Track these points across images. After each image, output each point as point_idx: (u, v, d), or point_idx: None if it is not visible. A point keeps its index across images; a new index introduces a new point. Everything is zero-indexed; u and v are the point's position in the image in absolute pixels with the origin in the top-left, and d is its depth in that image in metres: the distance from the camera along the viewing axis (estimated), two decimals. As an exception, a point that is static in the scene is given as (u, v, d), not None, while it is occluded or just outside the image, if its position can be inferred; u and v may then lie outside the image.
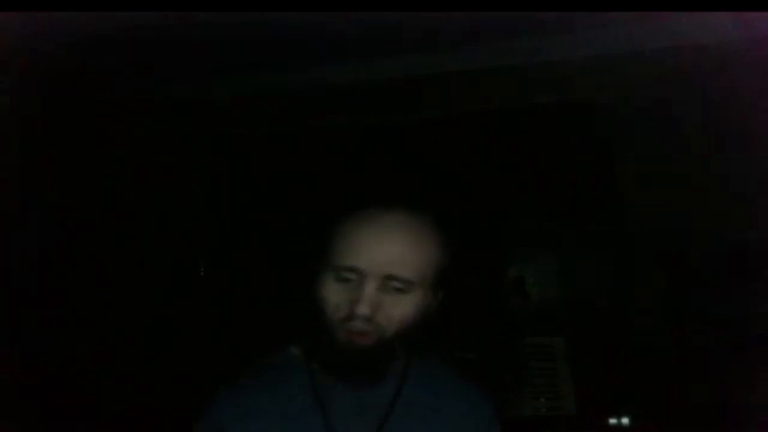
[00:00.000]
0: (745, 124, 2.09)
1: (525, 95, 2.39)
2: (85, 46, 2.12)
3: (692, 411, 1.95)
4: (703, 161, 2.16)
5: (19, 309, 2.01)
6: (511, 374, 2.21)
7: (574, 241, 2.31)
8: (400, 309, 0.83)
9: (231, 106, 2.60)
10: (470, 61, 2.37)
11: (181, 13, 1.85)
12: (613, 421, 2.10)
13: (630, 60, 2.27)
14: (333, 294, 0.84)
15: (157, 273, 2.45)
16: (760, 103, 2.01)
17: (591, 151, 2.29)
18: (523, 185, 2.33)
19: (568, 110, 2.35)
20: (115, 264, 2.40)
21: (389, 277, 0.82)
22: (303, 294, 0.89)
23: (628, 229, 2.22)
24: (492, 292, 2.33)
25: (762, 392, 1.90)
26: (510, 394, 2.19)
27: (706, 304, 2.05)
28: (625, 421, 2.09)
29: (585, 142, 2.30)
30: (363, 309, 0.81)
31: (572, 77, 2.32)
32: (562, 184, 2.30)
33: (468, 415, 0.91)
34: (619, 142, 2.27)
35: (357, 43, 2.25)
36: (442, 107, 2.47)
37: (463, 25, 2.13)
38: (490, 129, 2.39)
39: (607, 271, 2.25)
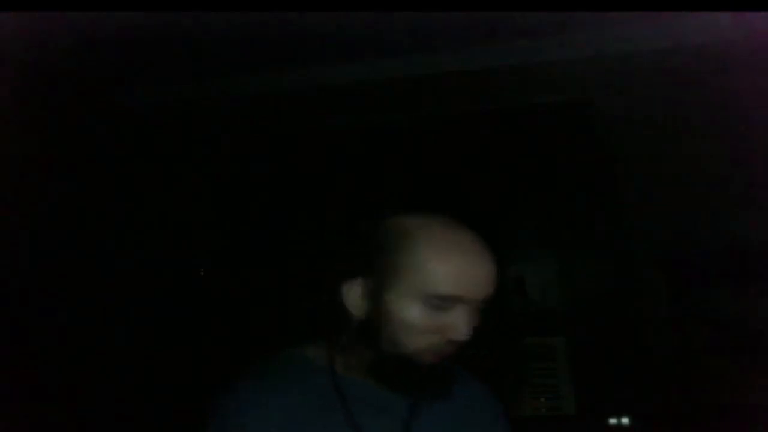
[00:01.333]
0: (745, 124, 2.09)
1: (525, 95, 2.39)
2: (84, 47, 2.11)
3: (692, 411, 1.96)
4: (703, 161, 2.16)
5: (18, 309, 2.01)
6: (511, 374, 2.21)
7: (574, 241, 2.31)
8: (473, 326, 0.83)
9: (231, 106, 2.60)
10: (470, 61, 2.37)
11: (180, 13, 1.85)
12: (613, 421, 2.10)
13: (630, 60, 2.26)
14: (423, 321, 0.81)
15: (157, 274, 2.45)
16: (760, 103, 2.01)
17: (591, 151, 2.29)
18: (523, 185, 2.33)
19: (568, 110, 2.35)
20: (115, 265, 2.40)
21: (484, 300, 0.83)
22: (323, 298, 0.87)
23: (628, 229, 2.23)
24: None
25: (762, 392, 1.90)
26: (510, 394, 2.19)
27: (706, 304, 2.05)
28: (625, 421, 2.09)
29: (585, 142, 2.30)
30: (466, 335, 0.81)
31: (572, 77, 2.32)
32: (562, 184, 2.30)
33: (479, 416, 0.92)
34: (619, 142, 2.27)
35: (357, 43, 2.24)
36: (442, 107, 2.47)
37: (463, 25, 2.13)
38: (489, 129, 2.39)
39: (607, 271, 2.24)
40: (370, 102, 2.48)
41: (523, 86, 2.37)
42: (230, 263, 2.47)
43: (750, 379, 1.93)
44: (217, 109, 2.60)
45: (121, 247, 2.44)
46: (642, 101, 2.26)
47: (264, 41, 2.19)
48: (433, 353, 0.82)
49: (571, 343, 2.22)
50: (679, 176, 2.18)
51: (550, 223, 2.32)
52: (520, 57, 2.33)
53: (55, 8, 1.68)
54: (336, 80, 2.47)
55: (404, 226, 0.85)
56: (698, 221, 2.13)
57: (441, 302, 0.80)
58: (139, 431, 2.15)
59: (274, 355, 0.93)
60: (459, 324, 0.80)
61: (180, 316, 2.40)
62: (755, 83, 2.02)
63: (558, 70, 2.32)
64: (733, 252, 2.04)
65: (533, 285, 2.31)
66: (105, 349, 2.24)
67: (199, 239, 2.52)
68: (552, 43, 2.29)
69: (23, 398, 1.92)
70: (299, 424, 0.83)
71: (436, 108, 2.47)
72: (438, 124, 2.43)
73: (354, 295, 0.85)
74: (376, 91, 2.46)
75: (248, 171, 2.57)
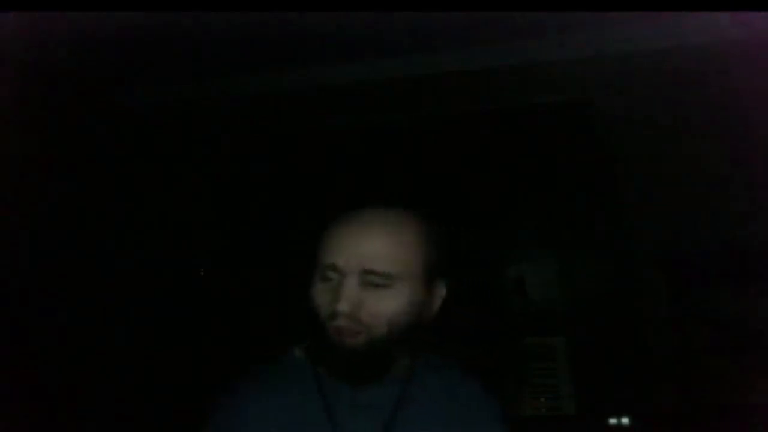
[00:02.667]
0: (745, 124, 2.09)
1: (525, 95, 2.39)
2: (84, 47, 2.12)
3: (692, 411, 1.96)
4: (703, 161, 2.16)
5: (19, 309, 2.01)
6: (511, 374, 2.21)
7: (574, 241, 2.31)
8: (384, 304, 0.83)
9: (231, 106, 2.60)
10: (470, 61, 2.37)
11: (180, 13, 1.85)
12: (613, 421, 2.10)
13: (630, 60, 2.27)
14: (319, 293, 0.85)
15: (157, 274, 2.45)
16: (760, 103, 2.01)
17: (591, 151, 2.29)
18: (523, 185, 2.33)
19: (568, 110, 2.35)
20: (115, 265, 2.40)
21: (367, 272, 0.83)
22: (300, 295, 0.89)
23: (628, 229, 2.23)
24: (492, 292, 2.33)
25: (762, 392, 1.90)
26: (510, 394, 2.19)
27: (706, 304, 2.05)
28: (625, 421, 2.09)
29: (585, 142, 2.30)
30: (342, 306, 0.81)
31: (572, 77, 2.32)
32: (562, 184, 2.30)
33: (474, 415, 0.91)
34: (619, 142, 2.27)
35: (357, 43, 2.25)
36: (442, 107, 2.47)
37: (463, 25, 2.13)
38: (489, 129, 2.39)
39: (607, 271, 2.25)
40: (370, 102, 2.48)
41: (523, 86, 2.37)
42: (230, 263, 2.47)
43: (750, 379, 1.93)
44: (217, 109, 2.60)
45: (121, 247, 2.44)
46: (642, 101, 2.26)
47: (264, 41, 2.20)
48: (334, 329, 0.82)
49: (571, 343, 2.22)
50: (679, 176, 2.18)
51: (550, 223, 2.32)
52: (520, 57, 2.34)
53: (55, 8, 1.68)
54: (336, 80, 2.47)
55: (339, 217, 0.88)
56: (698, 221, 2.13)
57: (327, 272, 0.84)
58: (139, 431, 2.15)
59: (271, 355, 0.95)
60: (338, 292, 0.82)
61: (180, 316, 2.40)
62: (755, 83, 2.02)
63: (558, 70, 2.32)
64: (733, 252, 2.04)
65: (533, 285, 2.31)
66: (105, 349, 2.24)
67: (199, 239, 2.52)
68: (552, 43, 2.29)
69: (23, 398, 1.92)
70: (285, 424, 0.84)
71: (436, 108, 2.47)
72: (438, 124, 2.43)
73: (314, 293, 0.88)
74: (376, 91, 2.46)
75: (248, 171, 2.57)
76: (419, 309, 0.86)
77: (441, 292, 0.91)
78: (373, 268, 0.82)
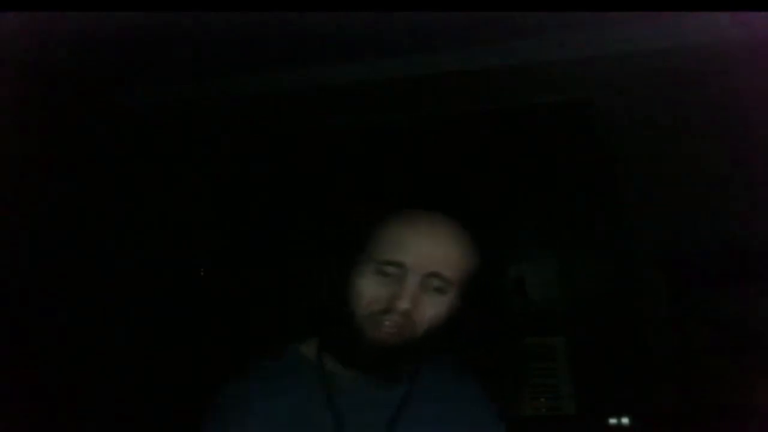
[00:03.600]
0: (745, 124, 2.09)
1: (525, 95, 2.39)
2: (84, 47, 2.11)
3: (692, 411, 1.96)
4: (703, 161, 2.16)
5: (19, 309, 2.01)
6: (511, 374, 2.21)
7: (574, 241, 2.31)
8: (436, 308, 0.84)
9: (231, 106, 2.60)
10: (470, 61, 2.37)
11: (180, 13, 1.85)
12: (613, 421, 2.10)
13: (630, 60, 2.27)
14: (372, 287, 0.84)
15: (157, 274, 2.45)
16: (760, 103, 2.01)
17: (591, 151, 2.29)
18: (523, 185, 2.33)
19: (568, 110, 2.35)
20: (115, 265, 2.40)
21: (432, 275, 0.83)
22: (316, 291, 0.89)
23: (628, 229, 2.22)
24: (492, 292, 2.32)
25: (762, 392, 1.90)
26: (510, 394, 2.18)
27: (706, 304, 2.05)
28: (625, 421, 2.09)
29: (585, 142, 2.30)
30: (404, 303, 0.81)
31: (572, 77, 2.32)
32: (562, 184, 2.30)
33: (475, 417, 0.91)
34: (619, 142, 2.27)
35: (357, 43, 2.24)
36: (442, 107, 2.47)
37: (462, 25, 2.13)
38: (489, 129, 2.39)
39: (607, 271, 2.24)
40: (370, 102, 2.48)
41: (523, 86, 2.37)
42: (230, 263, 2.47)
43: (750, 379, 1.93)
44: (217, 109, 2.60)
45: (121, 247, 2.44)
46: (642, 101, 2.26)
47: (264, 41, 2.19)
48: (383, 324, 0.82)
49: (571, 343, 2.22)
50: (679, 176, 2.18)
51: (550, 223, 2.32)
52: (520, 57, 2.33)
53: (55, 8, 1.68)
54: (336, 80, 2.47)
55: (401, 216, 0.88)
56: (698, 221, 2.13)
57: (386, 268, 0.83)
58: (139, 431, 2.15)
59: (271, 352, 0.95)
60: (400, 291, 0.82)
61: (180, 316, 2.40)
62: (755, 83, 2.02)
63: (558, 70, 2.32)
64: (733, 252, 2.04)
65: (533, 285, 2.31)
66: (105, 349, 2.24)
67: (199, 239, 2.52)
68: (552, 43, 2.29)
69: (23, 398, 1.92)
70: (288, 419, 0.84)
71: (436, 108, 2.47)
72: (438, 124, 2.43)
73: (335, 287, 0.88)
74: (376, 91, 2.46)
75: (248, 171, 2.57)
76: (452, 316, 0.88)
77: (462, 300, 0.92)
78: (439, 272, 0.83)
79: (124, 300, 2.35)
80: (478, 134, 2.39)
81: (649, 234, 2.19)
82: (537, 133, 2.35)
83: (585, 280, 2.28)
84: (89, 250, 2.32)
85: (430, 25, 2.11)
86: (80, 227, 2.31)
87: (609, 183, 2.26)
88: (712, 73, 2.15)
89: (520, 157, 2.34)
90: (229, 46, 2.21)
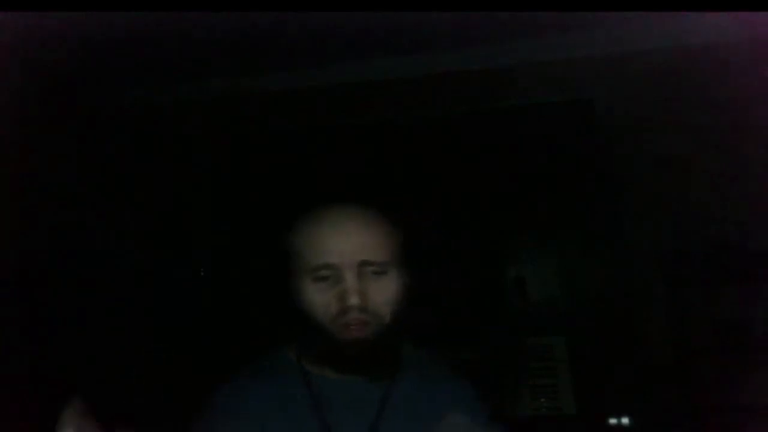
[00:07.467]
0: (745, 124, 2.09)
1: (525, 95, 2.39)
2: (84, 47, 2.11)
3: (692, 411, 1.96)
4: (703, 161, 2.16)
5: (19, 309, 2.01)
6: (511, 374, 2.21)
7: (574, 241, 2.31)
8: (387, 291, 0.85)
9: (230, 106, 2.59)
10: (470, 62, 2.37)
11: (180, 13, 1.85)
12: (613, 421, 2.10)
13: (630, 60, 2.27)
14: (317, 294, 0.85)
15: (156, 274, 2.45)
16: (760, 103, 2.01)
17: (591, 151, 2.29)
18: (523, 185, 2.33)
19: (568, 110, 2.35)
20: (116, 265, 2.39)
21: (364, 263, 0.84)
22: (286, 299, 0.90)
23: (628, 229, 2.23)
24: (492, 292, 2.33)
25: (762, 392, 1.90)
26: (510, 394, 2.19)
27: (706, 304, 2.05)
28: (625, 421, 2.09)
29: (585, 142, 2.30)
30: (354, 299, 0.82)
31: (572, 77, 2.32)
32: (562, 184, 2.30)
33: (460, 410, 0.91)
34: (619, 142, 2.27)
35: (356, 43, 2.25)
36: (442, 107, 2.47)
37: (462, 25, 2.13)
38: (489, 129, 2.39)
39: (607, 271, 2.25)
40: (370, 102, 2.48)
41: (523, 86, 2.37)
42: (230, 263, 2.47)
43: (750, 379, 1.93)
44: (217, 109, 2.60)
45: (121, 246, 2.44)
46: (642, 101, 2.26)
47: (264, 41, 2.19)
48: (344, 325, 0.83)
49: (571, 343, 2.22)
50: (679, 176, 2.18)
51: (550, 223, 2.32)
52: (520, 57, 2.33)
53: (55, 8, 1.67)
54: (336, 80, 2.47)
55: (310, 218, 0.89)
56: (697, 221, 2.14)
57: (321, 273, 0.84)
58: (140, 431, 2.15)
59: (261, 355, 0.96)
60: (344, 290, 0.82)
61: (180, 316, 2.40)
62: (755, 83, 2.02)
63: (558, 70, 2.32)
64: (733, 252, 2.04)
65: (533, 285, 2.31)
66: (105, 349, 2.24)
67: (199, 239, 2.52)
68: (552, 43, 2.29)
69: (23, 398, 1.91)
70: (273, 421, 0.85)
71: (436, 108, 2.47)
72: (438, 124, 2.43)
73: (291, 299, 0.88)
74: (376, 91, 2.46)
75: (248, 171, 2.57)
76: (406, 292, 0.88)
77: (411, 273, 0.92)
78: (370, 259, 0.84)
79: (125, 300, 2.35)
80: (477, 134, 2.39)
81: (649, 234, 2.19)
82: (537, 133, 2.35)
83: (585, 280, 2.28)
84: (89, 249, 2.32)
85: (430, 25, 2.11)
86: (80, 227, 2.31)
87: (609, 183, 2.26)
88: (712, 73, 2.15)
89: (520, 157, 2.34)
90: (229, 46, 2.21)
